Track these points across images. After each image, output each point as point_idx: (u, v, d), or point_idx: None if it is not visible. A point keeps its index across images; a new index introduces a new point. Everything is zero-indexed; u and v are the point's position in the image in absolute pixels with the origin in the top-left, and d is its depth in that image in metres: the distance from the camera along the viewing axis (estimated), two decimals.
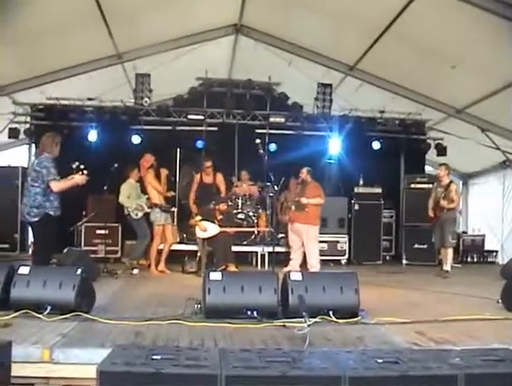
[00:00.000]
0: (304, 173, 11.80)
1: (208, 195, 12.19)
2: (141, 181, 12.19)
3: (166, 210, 12.10)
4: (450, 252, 12.25)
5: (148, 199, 11.97)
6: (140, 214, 11.83)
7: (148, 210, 11.93)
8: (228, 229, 12.15)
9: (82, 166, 8.62)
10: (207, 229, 11.69)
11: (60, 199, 8.39)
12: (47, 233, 8.24)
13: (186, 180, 14.68)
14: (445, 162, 14.25)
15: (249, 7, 13.09)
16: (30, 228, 8.76)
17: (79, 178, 8.52)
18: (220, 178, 12.63)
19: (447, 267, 12.12)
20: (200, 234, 11.80)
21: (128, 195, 11.83)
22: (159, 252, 12.19)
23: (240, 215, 13.48)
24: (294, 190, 13.82)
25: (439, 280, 11.62)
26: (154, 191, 11.99)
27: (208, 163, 12.44)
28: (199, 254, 12.11)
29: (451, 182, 12.50)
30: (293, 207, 11.67)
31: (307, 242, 11.49)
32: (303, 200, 11.42)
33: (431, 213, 12.47)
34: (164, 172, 12.32)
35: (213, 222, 11.81)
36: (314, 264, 11.42)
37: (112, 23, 12.19)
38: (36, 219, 8.18)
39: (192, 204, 12.52)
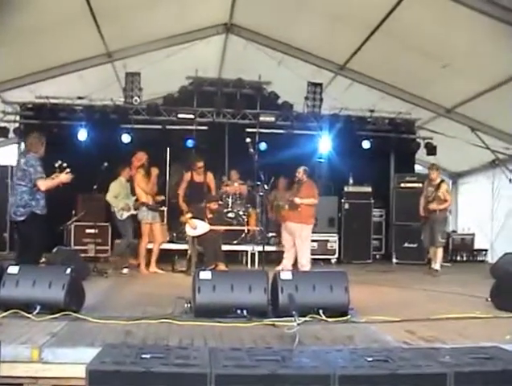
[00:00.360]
0: (301, 172, 11.74)
1: (199, 194, 12.16)
2: (131, 180, 12.16)
3: (153, 208, 12.02)
4: (440, 251, 12.30)
5: (136, 199, 11.96)
6: (125, 215, 11.79)
7: (134, 212, 11.89)
8: (218, 227, 12.13)
9: (65, 165, 8.61)
10: (197, 227, 11.67)
11: (46, 197, 8.37)
12: (34, 232, 8.20)
13: (176, 179, 14.67)
14: (435, 161, 14.35)
15: (240, 6, 13.09)
16: (16, 228, 8.68)
17: (64, 177, 8.48)
18: (210, 176, 12.61)
19: (437, 266, 12.17)
20: (190, 232, 11.78)
21: (116, 194, 11.80)
22: (149, 251, 12.15)
23: (230, 214, 13.48)
24: (283, 189, 13.85)
25: (429, 278, 11.65)
26: (141, 191, 11.92)
27: (200, 164, 12.38)
28: (189, 253, 12.07)
29: (442, 181, 12.55)
30: (286, 207, 11.63)
31: (300, 241, 11.45)
32: (297, 200, 11.38)
33: (421, 212, 12.52)
34: (155, 171, 12.24)
35: (204, 220, 11.79)
36: (304, 264, 11.39)
37: (102, 22, 12.14)
38: (23, 218, 8.14)
39: (181, 202, 12.49)
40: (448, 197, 12.42)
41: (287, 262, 11.60)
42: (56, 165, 8.57)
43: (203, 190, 12.23)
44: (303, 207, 11.43)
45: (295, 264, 11.63)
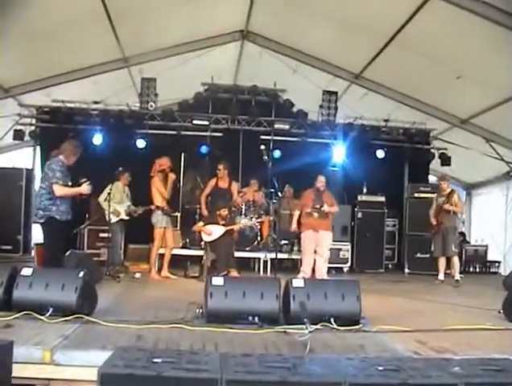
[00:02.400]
0: (323, 182, 11.72)
1: (221, 200, 12.16)
2: (130, 185, 12.31)
3: (167, 213, 12.03)
4: (456, 260, 12.39)
5: (129, 206, 12.14)
6: (114, 219, 11.89)
7: (126, 217, 11.97)
8: (232, 227, 12.12)
9: (88, 183, 8.64)
10: (212, 232, 11.68)
11: (70, 203, 8.39)
12: (53, 237, 8.22)
13: (190, 185, 14.71)
14: (449, 172, 14.31)
15: (256, 14, 13.15)
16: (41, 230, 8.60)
17: (84, 189, 8.52)
18: (235, 185, 12.64)
19: (456, 276, 12.28)
20: (206, 238, 11.78)
21: (109, 198, 11.88)
22: (161, 256, 12.18)
23: (243, 221, 13.43)
24: (290, 197, 13.93)
25: (441, 289, 11.61)
26: (158, 194, 11.93)
27: (219, 166, 12.44)
28: (204, 258, 12.04)
29: (452, 190, 12.58)
30: (316, 215, 11.58)
31: (326, 249, 11.48)
32: (326, 208, 11.43)
33: (433, 221, 12.52)
34: (172, 177, 12.24)
35: (218, 224, 11.79)
36: (324, 272, 11.43)
37: (119, 27, 12.25)
38: (42, 221, 8.17)
39: (203, 208, 12.52)
40: (460, 204, 12.44)
41: (308, 270, 11.52)
42: (81, 181, 8.62)
43: (226, 196, 12.25)
44: (330, 216, 11.50)
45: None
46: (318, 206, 11.49)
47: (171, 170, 12.12)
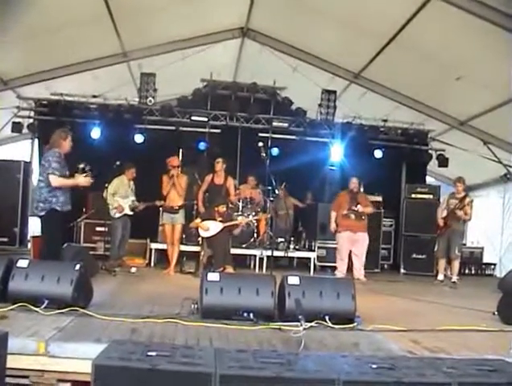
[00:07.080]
0: (356, 183, 11.94)
1: (217, 197, 12.20)
2: (135, 180, 12.28)
3: (167, 211, 12.06)
4: (456, 263, 12.36)
5: (133, 201, 12.06)
6: (118, 214, 11.85)
7: (130, 212, 11.94)
8: (229, 223, 12.12)
9: (87, 168, 8.63)
10: (209, 228, 11.67)
11: (69, 194, 8.38)
12: (53, 229, 8.21)
13: (187, 181, 14.70)
14: (446, 173, 14.27)
15: (257, 11, 13.13)
16: (40, 223, 8.55)
17: (82, 180, 8.50)
18: (230, 181, 12.64)
19: (454, 278, 12.26)
20: (203, 234, 11.79)
21: (114, 192, 11.85)
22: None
23: (240, 218, 13.43)
24: (285, 196, 13.97)
25: (437, 290, 11.62)
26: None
27: (218, 160, 12.49)
28: (202, 254, 12.05)
29: (466, 195, 12.50)
30: (352, 216, 11.83)
31: (363, 250, 11.89)
32: (360, 209, 11.82)
33: (440, 222, 12.47)
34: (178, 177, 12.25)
35: (215, 220, 11.79)
36: (362, 272, 11.92)
37: (119, 21, 12.22)
38: (43, 213, 8.15)
39: (200, 205, 12.55)
40: (470, 211, 12.39)
41: (344, 269, 11.89)
42: (79, 167, 8.61)
43: (221, 193, 12.26)
44: (365, 217, 11.81)
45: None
46: (353, 207, 11.70)
47: (176, 169, 12.08)
